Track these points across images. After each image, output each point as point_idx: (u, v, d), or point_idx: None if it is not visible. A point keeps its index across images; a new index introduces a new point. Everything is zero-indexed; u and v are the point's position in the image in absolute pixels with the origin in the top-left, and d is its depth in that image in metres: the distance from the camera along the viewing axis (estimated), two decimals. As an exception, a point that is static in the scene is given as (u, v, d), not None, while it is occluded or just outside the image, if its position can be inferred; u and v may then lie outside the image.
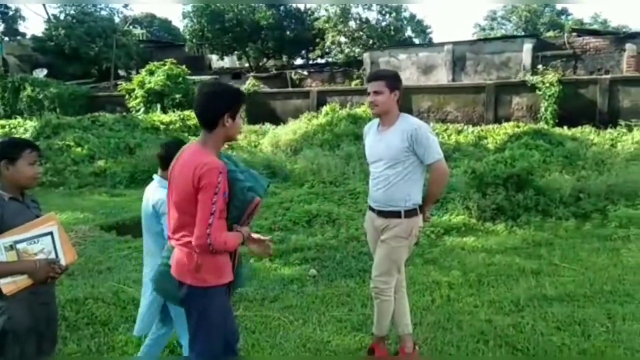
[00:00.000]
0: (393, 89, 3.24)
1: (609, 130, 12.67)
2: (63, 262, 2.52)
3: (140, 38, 31.27)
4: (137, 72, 22.01)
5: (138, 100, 18.57)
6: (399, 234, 3.26)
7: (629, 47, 16.22)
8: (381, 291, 3.35)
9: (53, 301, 2.69)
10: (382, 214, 3.31)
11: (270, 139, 14.11)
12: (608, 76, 14.93)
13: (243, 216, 2.52)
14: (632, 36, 17.09)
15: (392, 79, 3.28)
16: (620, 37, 17.46)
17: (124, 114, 16.90)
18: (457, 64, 18.88)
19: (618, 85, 14.15)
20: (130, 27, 32.35)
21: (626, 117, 12.91)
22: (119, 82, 22.36)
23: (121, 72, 28.76)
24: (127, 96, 19.25)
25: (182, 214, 2.44)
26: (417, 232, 3.35)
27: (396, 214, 3.25)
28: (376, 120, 3.40)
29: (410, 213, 3.26)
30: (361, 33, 25.62)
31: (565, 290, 4.54)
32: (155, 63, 19.39)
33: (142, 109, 18.19)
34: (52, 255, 2.49)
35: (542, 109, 14.55)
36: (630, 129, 12.17)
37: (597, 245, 5.82)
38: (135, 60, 27.50)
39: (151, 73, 18.83)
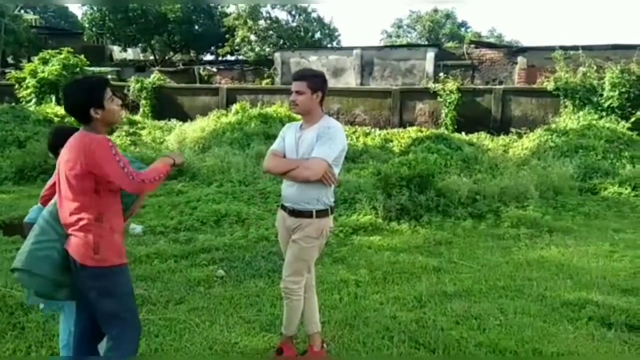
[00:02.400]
0: (315, 90, 3.20)
1: (501, 136, 13.68)
2: None
3: (33, 24, 29.01)
4: (29, 60, 20.44)
5: (29, 90, 17.23)
6: (310, 234, 3.26)
7: (521, 60, 17.60)
8: (292, 291, 3.34)
9: None
10: (293, 213, 3.29)
11: (177, 136, 13.64)
12: (501, 86, 16.08)
13: (139, 198, 2.78)
14: (523, 50, 18.54)
15: (315, 80, 3.22)
16: (513, 51, 18.88)
17: (13, 104, 15.59)
18: (366, 68, 19.43)
19: (510, 95, 15.30)
20: (21, 11, 29.89)
21: (517, 125, 14.02)
22: (7, 70, 20.60)
23: (10, 60, 26.54)
24: (16, 86, 17.78)
25: (76, 196, 2.44)
26: (328, 232, 3.38)
27: (307, 214, 3.25)
28: (300, 121, 3.37)
29: (321, 213, 3.26)
30: (271, 32, 25.58)
31: (463, 287, 4.80)
32: (50, 51, 18.09)
33: (34, 100, 16.90)
34: None
35: (443, 115, 15.38)
36: (520, 136, 13.20)
37: (491, 244, 6.22)
38: (26, 48, 25.50)
39: (45, 62, 17.53)
